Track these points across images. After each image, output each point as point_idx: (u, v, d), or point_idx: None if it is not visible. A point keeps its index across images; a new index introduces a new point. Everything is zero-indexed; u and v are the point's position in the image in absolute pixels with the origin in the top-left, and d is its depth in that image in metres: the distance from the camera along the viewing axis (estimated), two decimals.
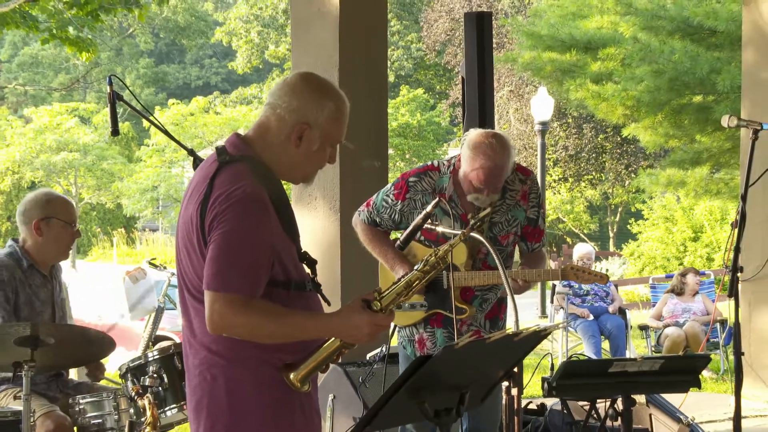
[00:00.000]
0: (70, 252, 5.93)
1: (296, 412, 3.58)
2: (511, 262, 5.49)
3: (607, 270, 26.18)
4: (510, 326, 4.42)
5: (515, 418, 4.58)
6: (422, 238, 5.37)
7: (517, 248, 5.61)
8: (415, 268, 3.71)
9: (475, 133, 5.32)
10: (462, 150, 5.32)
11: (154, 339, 8.63)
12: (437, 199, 4.89)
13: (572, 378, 5.35)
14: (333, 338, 3.54)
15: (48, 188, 6.26)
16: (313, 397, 3.72)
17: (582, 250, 13.45)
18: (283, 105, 3.58)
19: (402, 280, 3.65)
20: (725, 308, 13.11)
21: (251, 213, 3.42)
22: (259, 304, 3.42)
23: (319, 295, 3.71)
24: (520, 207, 5.44)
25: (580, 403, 7.52)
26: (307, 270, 3.68)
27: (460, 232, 5.04)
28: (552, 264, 23.56)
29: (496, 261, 4.45)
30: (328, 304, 3.79)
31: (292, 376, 3.50)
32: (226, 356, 3.52)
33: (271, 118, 3.60)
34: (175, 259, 3.65)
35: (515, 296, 5.57)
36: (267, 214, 3.46)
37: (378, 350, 6.47)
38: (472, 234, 5.02)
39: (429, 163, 5.56)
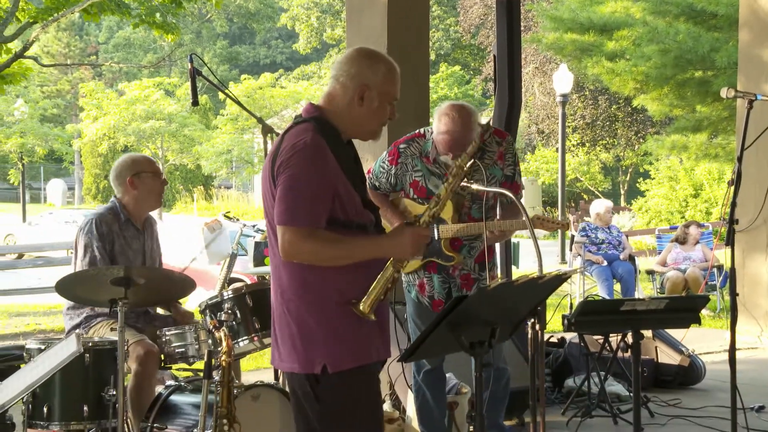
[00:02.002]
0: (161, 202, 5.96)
1: (363, 344, 3.63)
2: (494, 213, 5.43)
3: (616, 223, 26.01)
4: (533, 270, 4.39)
5: (539, 349, 4.56)
6: (415, 196, 5.34)
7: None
8: (443, 183, 3.80)
9: (441, 106, 5.26)
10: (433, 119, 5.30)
11: (229, 280, 8.68)
12: (471, 161, 4.86)
13: (588, 315, 5.32)
14: (386, 266, 3.57)
15: (131, 153, 6.27)
16: (384, 328, 3.75)
17: (602, 204, 13.39)
18: (344, 74, 3.66)
19: (433, 198, 3.72)
20: (721, 255, 13.02)
21: (310, 159, 3.49)
22: (322, 234, 3.49)
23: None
24: (497, 166, 5.35)
25: (595, 337, 7.51)
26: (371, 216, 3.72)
27: (496, 189, 5.05)
28: (570, 217, 23.41)
29: (523, 215, 4.39)
30: None
31: (361, 307, 3.53)
32: (299, 294, 3.58)
33: (336, 86, 3.68)
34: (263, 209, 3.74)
35: (495, 245, 5.55)
36: (325, 161, 3.52)
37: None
38: (493, 190, 5.03)
39: (416, 131, 5.49)
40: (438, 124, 5.20)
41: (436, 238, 5.29)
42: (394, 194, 5.49)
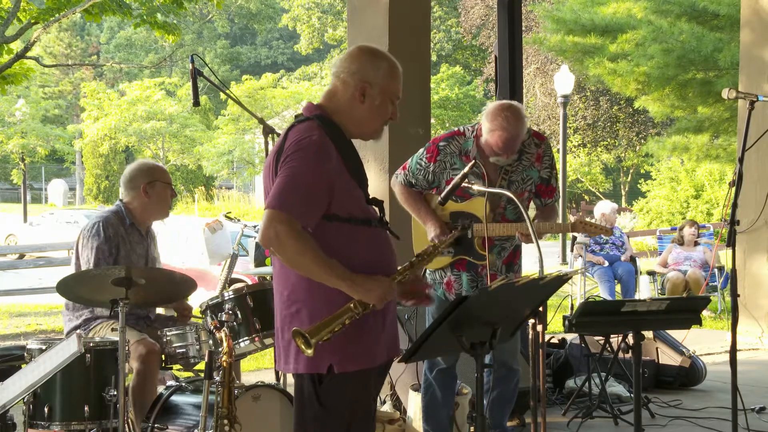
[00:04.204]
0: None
1: (369, 348, 3.62)
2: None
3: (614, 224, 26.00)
4: (534, 271, 4.39)
5: (540, 350, 4.56)
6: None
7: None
8: (412, 259, 3.73)
9: (492, 107, 5.26)
10: (482, 121, 5.28)
11: (230, 281, 8.68)
12: (473, 162, 4.87)
13: (589, 316, 5.32)
14: (349, 304, 3.46)
15: (144, 159, 6.25)
16: (391, 330, 3.74)
17: (608, 205, 13.40)
18: (345, 71, 3.66)
19: (403, 266, 3.67)
20: (722, 256, 13.02)
21: (313, 156, 3.47)
22: (310, 238, 3.44)
23: (387, 232, 3.73)
24: (535, 168, 5.39)
25: (596, 337, 7.50)
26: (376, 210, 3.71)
27: (496, 190, 5.05)
28: (571, 218, 23.45)
29: (524, 215, 4.40)
30: (397, 238, 3.83)
31: (307, 335, 3.40)
32: (309, 294, 3.55)
33: (337, 84, 3.68)
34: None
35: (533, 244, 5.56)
36: (328, 160, 3.51)
37: None
38: (495, 191, 5.03)
39: (456, 128, 5.51)
40: (492, 127, 5.19)
41: (469, 237, 5.30)
42: (427, 192, 5.50)
